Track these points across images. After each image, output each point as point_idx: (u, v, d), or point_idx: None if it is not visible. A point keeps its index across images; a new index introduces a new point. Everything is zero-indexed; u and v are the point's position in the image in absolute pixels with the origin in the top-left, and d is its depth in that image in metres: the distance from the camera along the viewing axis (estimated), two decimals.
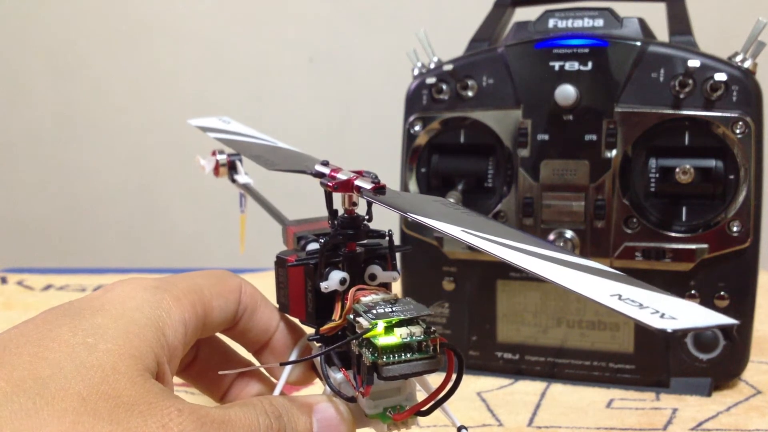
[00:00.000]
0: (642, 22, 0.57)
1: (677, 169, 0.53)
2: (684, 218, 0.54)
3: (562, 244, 0.55)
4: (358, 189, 0.30)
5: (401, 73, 0.64)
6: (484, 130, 0.58)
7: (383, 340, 0.27)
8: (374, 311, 0.29)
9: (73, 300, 0.29)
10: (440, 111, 0.59)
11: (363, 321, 0.28)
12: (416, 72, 0.60)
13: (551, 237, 0.56)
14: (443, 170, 0.59)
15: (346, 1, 1.21)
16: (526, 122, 0.56)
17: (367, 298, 0.30)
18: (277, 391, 0.33)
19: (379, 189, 0.29)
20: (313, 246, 0.34)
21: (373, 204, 0.30)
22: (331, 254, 0.32)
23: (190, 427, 0.25)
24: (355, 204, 0.32)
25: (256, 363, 0.36)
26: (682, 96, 0.53)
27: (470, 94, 0.58)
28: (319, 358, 0.32)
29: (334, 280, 0.31)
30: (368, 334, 0.27)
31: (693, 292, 0.54)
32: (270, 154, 0.39)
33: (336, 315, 0.31)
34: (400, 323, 0.28)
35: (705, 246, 0.53)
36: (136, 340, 0.27)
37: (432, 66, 0.60)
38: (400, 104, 0.61)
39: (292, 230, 0.36)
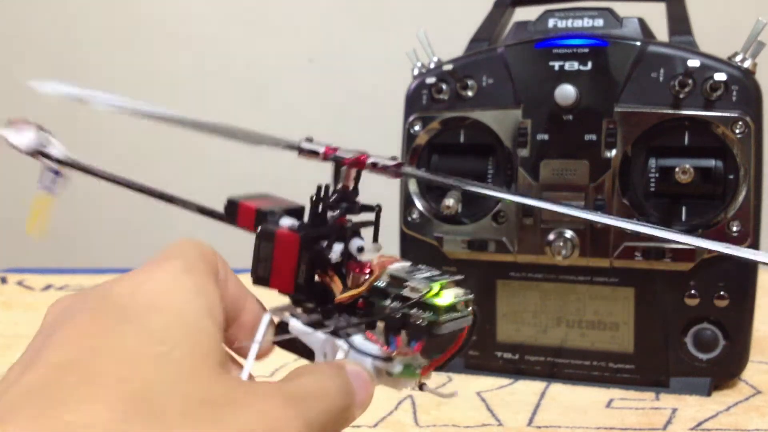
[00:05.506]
0: (642, 22, 0.57)
1: (677, 169, 0.53)
2: (684, 218, 0.54)
3: (561, 243, 0.55)
4: (374, 165, 0.32)
5: (401, 73, 0.64)
6: (484, 130, 0.58)
7: (441, 301, 0.30)
8: (417, 276, 0.31)
9: (98, 293, 0.27)
10: (440, 111, 0.59)
11: (418, 284, 0.30)
12: (416, 72, 0.60)
13: (551, 237, 0.56)
14: (443, 170, 0.59)
15: (346, 1, 1.21)
16: (525, 122, 0.56)
17: (394, 266, 0.32)
18: (249, 365, 0.32)
19: (401, 164, 0.32)
20: (287, 221, 0.34)
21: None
22: (325, 226, 0.33)
23: (284, 408, 0.25)
24: (356, 180, 0.33)
25: (304, 329, 0.34)
26: (681, 96, 0.53)
27: (470, 94, 0.58)
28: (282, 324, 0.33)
29: (352, 247, 0.32)
30: (428, 295, 0.30)
31: (693, 292, 0.54)
32: (229, 131, 0.39)
33: (351, 283, 0.32)
34: (445, 286, 0.30)
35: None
36: (201, 336, 0.26)
37: (432, 66, 0.60)
38: (399, 104, 0.61)
39: (252, 205, 0.35)
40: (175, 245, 0.30)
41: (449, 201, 0.56)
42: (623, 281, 0.56)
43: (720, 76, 0.52)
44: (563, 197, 0.56)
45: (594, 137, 0.55)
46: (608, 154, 0.55)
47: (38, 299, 0.83)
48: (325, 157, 0.34)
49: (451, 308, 0.30)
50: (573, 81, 0.55)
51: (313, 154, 0.34)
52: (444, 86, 0.59)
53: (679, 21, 0.58)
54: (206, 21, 1.27)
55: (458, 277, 0.31)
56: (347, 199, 0.33)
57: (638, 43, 0.54)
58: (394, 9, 1.18)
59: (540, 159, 0.56)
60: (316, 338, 0.32)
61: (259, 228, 0.33)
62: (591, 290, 0.57)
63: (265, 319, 0.33)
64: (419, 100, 0.60)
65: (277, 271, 0.33)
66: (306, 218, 0.34)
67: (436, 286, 0.30)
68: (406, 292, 0.30)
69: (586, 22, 0.57)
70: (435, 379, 0.58)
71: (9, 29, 1.35)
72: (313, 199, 0.34)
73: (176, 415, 0.22)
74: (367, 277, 0.32)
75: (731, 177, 0.53)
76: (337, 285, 0.32)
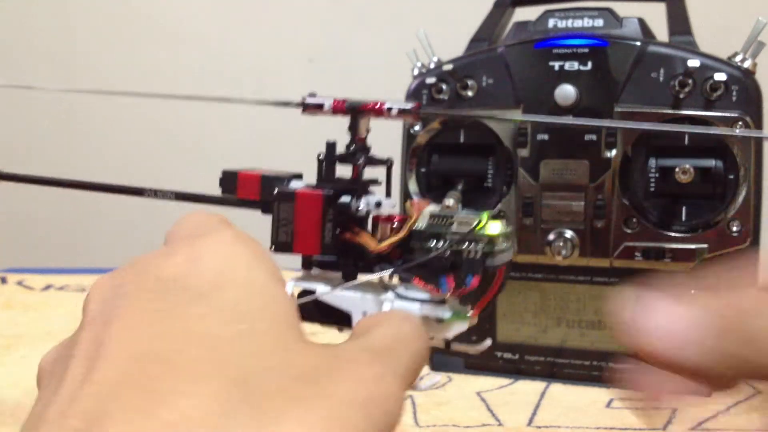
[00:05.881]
0: (642, 22, 0.57)
1: (677, 169, 0.53)
2: (684, 218, 0.54)
3: (561, 243, 0.55)
4: (389, 111, 0.32)
5: (401, 73, 0.64)
6: (484, 130, 0.58)
7: (493, 230, 0.29)
8: (460, 212, 0.30)
9: (148, 271, 0.24)
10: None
11: (466, 217, 0.29)
12: (416, 72, 0.60)
13: (551, 237, 0.56)
14: (443, 170, 0.59)
15: (346, 1, 1.21)
16: (525, 122, 0.56)
17: (430, 207, 0.31)
18: None
19: (420, 105, 0.32)
20: (298, 183, 0.33)
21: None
22: (343, 181, 0.32)
23: (375, 366, 0.23)
24: (368, 131, 0.33)
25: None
26: (681, 96, 0.53)
27: (470, 93, 0.58)
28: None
29: (370, 202, 0.32)
30: (479, 226, 0.29)
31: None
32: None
33: (379, 236, 0.32)
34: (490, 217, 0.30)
35: (705, 246, 0.53)
36: (277, 306, 0.23)
37: (432, 66, 0.60)
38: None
39: (254, 173, 0.34)
40: (193, 218, 0.28)
41: (449, 201, 0.56)
42: (623, 281, 0.56)
43: (720, 76, 0.52)
44: (563, 197, 0.56)
45: (594, 137, 0.55)
46: (608, 154, 0.55)
47: (38, 299, 0.83)
48: (336, 110, 0.33)
49: (500, 239, 0.29)
50: (573, 81, 0.55)
51: (318, 108, 0.34)
52: (444, 86, 0.59)
53: (679, 21, 0.58)
54: (206, 21, 1.27)
55: (497, 210, 0.30)
56: (364, 150, 0.32)
57: (638, 43, 0.54)
58: (394, 9, 1.18)
59: (540, 159, 0.56)
60: (352, 298, 0.31)
61: (276, 190, 0.32)
62: (591, 290, 0.57)
63: (289, 287, 0.31)
64: (419, 100, 0.60)
65: (301, 234, 0.31)
66: (316, 178, 0.33)
67: (485, 216, 0.29)
68: (454, 228, 0.29)
69: (586, 22, 0.57)
70: (435, 379, 0.58)
71: (9, 29, 1.35)
72: (321, 157, 0.33)
73: (277, 397, 0.20)
74: (395, 225, 0.31)
75: (731, 177, 0.53)
76: (367, 239, 0.31)
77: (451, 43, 0.64)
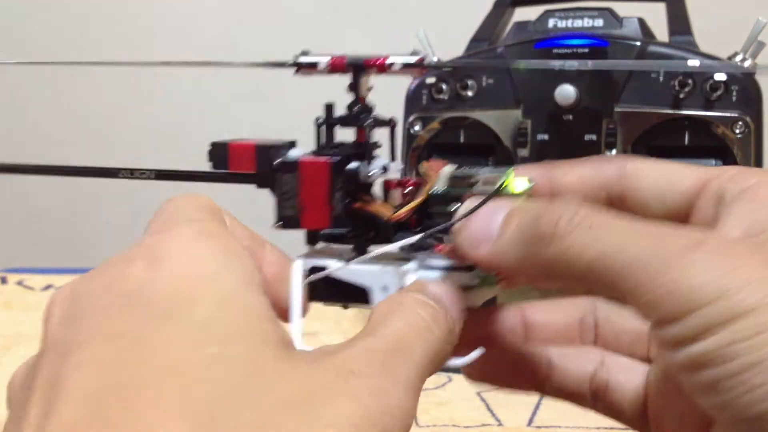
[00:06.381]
0: (642, 22, 0.57)
1: None
2: None
3: None
4: (392, 66, 0.29)
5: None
6: (484, 130, 0.58)
7: (519, 186, 0.27)
8: (483, 172, 0.28)
9: (108, 283, 0.22)
10: (440, 111, 0.59)
11: (491, 174, 0.27)
12: None
13: None
14: None
15: (346, 0, 1.21)
16: (525, 122, 0.56)
17: (447, 168, 0.29)
18: (297, 329, 0.26)
19: (423, 59, 0.29)
20: (297, 152, 0.30)
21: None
22: (347, 146, 0.30)
23: (381, 376, 0.20)
24: (370, 89, 0.30)
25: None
26: (681, 96, 0.53)
27: (470, 93, 0.58)
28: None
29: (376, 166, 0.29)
30: (505, 184, 0.27)
31: None
32: None
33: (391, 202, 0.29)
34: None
35: None
36: (252, 317, 0.21)
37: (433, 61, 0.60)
38: (399, 104, 0.61)
39: (247, 143, 0.31)
40: (170, 206, 0.25)
41: None
42: None
43: (720, 76, 0.52)
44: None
45: (594, 137, 0.55)
46: (608, 154, 0.55)
47: (38, 299, 0.83)
48: (334, 68, 0.31)
49: (524, 198, 0.27)
50: (573, 81, 0.55)
51: (312, 67, 0.31)
52: (444, 86, 0.59)
53: (679, 21, 0.58)
54: (204, 20, 1.27)
55: (516, 167, 0.28)
56: (368, 111, 0.30)
57: (638, 43, 0.54)
58: (394, 9, 1.18)
59: (540, 159, 0.56)
60: (370, 272, 0.28)
61: (278, 161, 0.29)
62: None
63: (298, 266, 0.28)
64: (419, 100, 0.60)
65: (308, 206, 0.29)
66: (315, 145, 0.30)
67: (511, 173, 0.27)
68: (479, 188, 0.27)
69: (586, 22, 0.57)
70: (435, 378, 0.58)
71: (9, 29, 1.35)
72: (320, 121, 0.30)
73: (254, 430, 0.18)
74: (408, 190, 0.29)
75: None
76: (380, 206, 0.29)
77: (451, 43, 0.64)
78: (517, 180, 0.27)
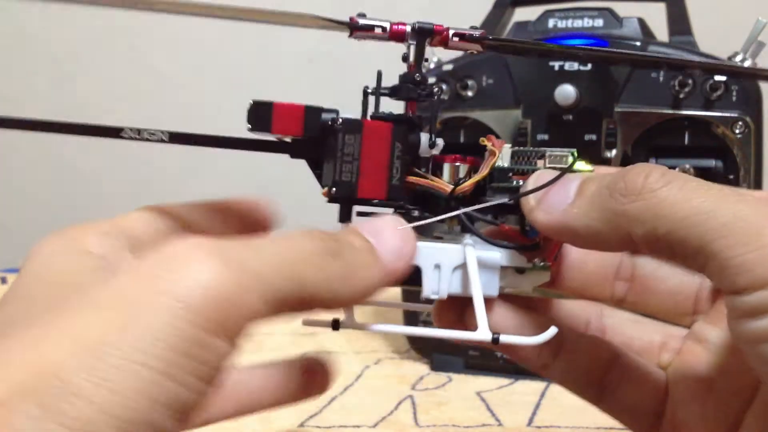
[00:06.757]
0: (642, 22, 0.57)
1: (677, 169, 0.53)
2: None
3: None
4: (461, 36, 0.28)
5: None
6: (484, 130, 0.58)
7: (583, 167, 0.27)
8: (546, 152, 0.27)
9: None
10: (440, 111, 0.59)
11: (560, 152, 0.27)
12: None
13: None
14: None
15: (346, 1, 1.21)
16: (525, 122, 0.56)
17: (507, 145, 0.29)
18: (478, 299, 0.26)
19: (485, 35, 0.28)
20: (349, 115, 0.28)
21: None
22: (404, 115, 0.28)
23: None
24: (427, 60, 0.29)
25: None
26: (681, 96, 0.53)
27: (470, 94, 0.58)
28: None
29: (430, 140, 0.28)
30: (578, 159, 0.27)
31: None
32: None
33: (444, 176, 0.29)
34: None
35: None
36: None
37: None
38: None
39: (297, 105, 0.29)
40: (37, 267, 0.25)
41: None
42: None
43: (720, 76, 0.52)
44: None
45: (594, 137, 0.55)
46: (608, 154, 0.55)
47: None
48: (394, 35, 0.29)
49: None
50: (573, 81, 0.55)
51: (369, 30, 0.29)
52: (444, 86, 0.59)
53: (679, 21, 0.58)
54: (205, 22, 1.27)
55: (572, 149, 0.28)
56: (424, 82, 0.28)
57: (638, 43, 0.55)
58: (394, 9, 1.18)
59: None
60: (423, 249, 0.26)
61: (341, 119, 0.27)
62: None
63: (471, 252, 0.26)
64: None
65: (367, 173, 0.27)
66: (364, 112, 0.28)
67: (575, 152, 0.27)
68: (546, 164, 0.27)
69: (586, 22, 0.57)
70: (435, 378, 0.58)
71: (9, 30, 1.35)
72: (369, 90, 0.29)
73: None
74: (460, 165, 0.28)
75: (731, 177, 0.53)
76: (437, 181, 0.28)
77: None
78: (579, 162, 0.27)
